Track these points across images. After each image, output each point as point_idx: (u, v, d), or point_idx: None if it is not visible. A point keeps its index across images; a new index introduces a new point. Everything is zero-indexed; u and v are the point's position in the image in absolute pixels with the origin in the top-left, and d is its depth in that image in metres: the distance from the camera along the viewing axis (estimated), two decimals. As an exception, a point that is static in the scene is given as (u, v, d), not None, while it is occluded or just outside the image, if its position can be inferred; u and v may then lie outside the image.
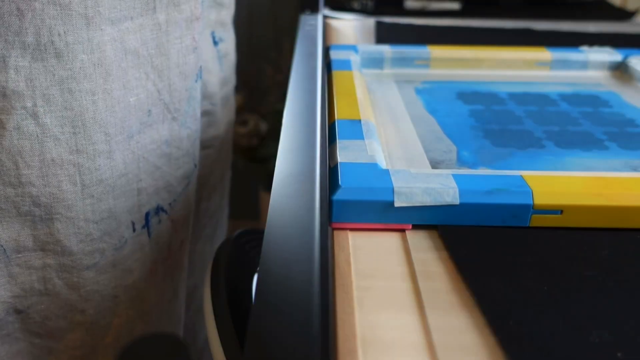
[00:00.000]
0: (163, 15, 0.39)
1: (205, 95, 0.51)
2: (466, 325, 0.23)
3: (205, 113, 0.52)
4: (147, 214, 0.43)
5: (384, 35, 0.63)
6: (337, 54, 0.51)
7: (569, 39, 0.61)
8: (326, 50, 0.53)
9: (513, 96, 0.46)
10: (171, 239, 0.47)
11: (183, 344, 0.55)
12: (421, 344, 0.22)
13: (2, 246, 0.37)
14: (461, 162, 0.35)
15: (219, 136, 0.56)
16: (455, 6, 0.82)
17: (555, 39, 0.62)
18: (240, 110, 1.34)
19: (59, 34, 0.33)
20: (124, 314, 0.44)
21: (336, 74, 0.45)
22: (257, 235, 0.48)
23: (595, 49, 0.54)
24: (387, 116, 0.42)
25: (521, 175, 0.30)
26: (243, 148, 1.32)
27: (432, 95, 0.46)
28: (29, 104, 0.34)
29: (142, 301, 0.45)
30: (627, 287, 0.25)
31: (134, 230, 0.42)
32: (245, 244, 0.47)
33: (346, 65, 0.48)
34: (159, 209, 0.44)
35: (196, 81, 0.45)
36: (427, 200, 0.28)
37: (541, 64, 0.52)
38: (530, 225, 0.29)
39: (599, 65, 0.52)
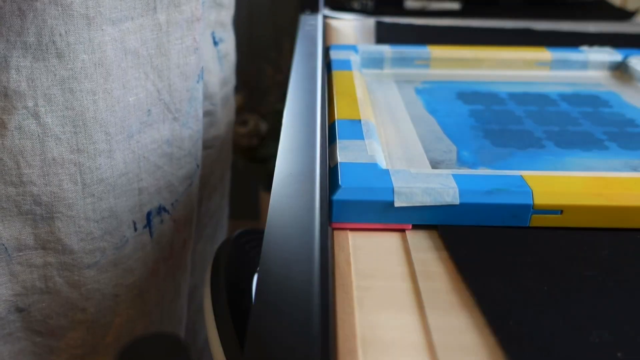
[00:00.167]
0: (164, 15, 0.39)
1: (206, 96, 0.51)
2: (466, 325, 0.23)
3: (206, 113, 0.52)
4: (148, 214, 0.43)
5: (384, 35, 0.64)
6: (337, 54, 0.51)
7: (569, 39, 0.61)
8: (326, 50, 0.53)
9: (513, 96, 0.46)
10: (173, 239, 0.47)
11: (183, 343, 0.55)
12: (421, 344, 0.22)
13: (3, 245, 0.37)
14: (461, 162, 0.35)
15: (220, 136, 0.56)
16: (455, 6, 0.82)
17: (555, 39, 0.62)
18: (240, 110, 1.34)
19: (60, 34, 0.33)
20: (124, 313, 0.44)
21: (336, 74, 0.45)
22: (257, 235, 0.48)
23: (595, 49, 0.54)
24: (387, 116, 0.42)
25: (521, 175, 0.30)
26: (243, 148, 1.32)
27: (432, 95, 0.46)
28: (30, 104, 0.34)
29: (143, 301, 0.45)
30: (627, 287, 0.25)
31: (135, 229, 0.42)
32: (245, 244, 0.47)
33: (346, 65, 0.48)
34: (161, 209, 0.44)
35: (198, 82, 0.45)
36: (427, 200, 0.28)
37: (541, 64, 0.52)
38: (530, 225, 0.29)
39: (599, 65, 0.52)
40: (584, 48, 0.54)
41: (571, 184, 0.29)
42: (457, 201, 0.28)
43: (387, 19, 0.71)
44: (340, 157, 0.31)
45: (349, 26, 0.70)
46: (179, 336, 0.52)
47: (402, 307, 0.24)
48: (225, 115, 0.57)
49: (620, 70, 0.52)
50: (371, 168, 0.30)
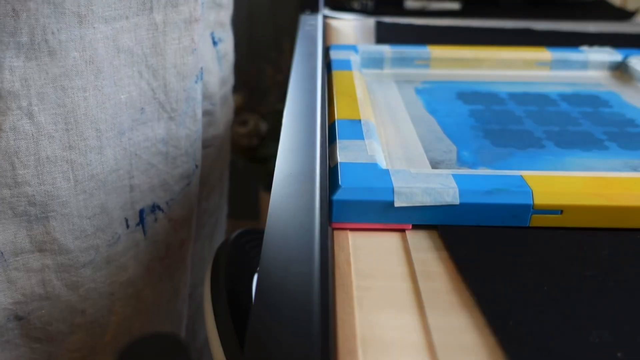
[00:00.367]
0: (160, 15, 0.40)
1: (206, 96, 0.51)
2: (466, 325, 0.23)
3: (205, 113, 0.52)
4: (141, 211, 0.43)
5: (384, 35, 0.63)
6: (337, 54, 0.51)
7: (569, 39, 0.61)
8: (326, 50, 0.53)
9: (513, 96, 0.46)
10: (170, 238, 0.47)
11: (183, 343, 0.55)
12: (421, 344, 0.22)
13: None
14: (461, 162, 0.35)
15: (219, 135, 0.56)
16: (455, 6, 0.82)
17: (555, 39, 0.62)
18: (240, 110, 1.34)
19: (52, 32, 0.34)
20: (121, 312, 0.44)
21: (336, 74, 0.45)
22: (257, 235, 0.48)
23: (595, 49, 0.54)
24: (387, 116, 0.42)
25: (521, 175, 0.30)
26: (243, 148, 1.32)
27: (432, 95, 0.46)
28: (24, 104, 0.34)
29: (138, 299, 0.45)
30: (627, 287, 0.25)
31: (127, 226, 0.42)
32: (245, 244, 0.47)
33: (346, 65, 0.48)
34: (154, 207, 0.44)
35: (196, 82, 0.45)
36: (427, 200, 0.28)
37: (541, 64, 0.52)
38: (530, 225, 0.29)
39: (599, 65, 0.52)
40: (584, 48, 0.54)
41: (571, 184, 0.29)
42: (457, 201, 0.28)
43: (387, 19, 0.71)
44: (340, 157, 0.31)
45: (349, 26, 0.70)
46: (178, 336, 0.52)
47: (402, 307, 0.24)
48: (224, 114, 0.57)
49: (620, 70, 0.52)
50: (371, 168, 0.30)
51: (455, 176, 0.30)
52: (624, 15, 0.78)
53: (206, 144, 0.54)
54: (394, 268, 0.27)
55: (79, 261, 0.40)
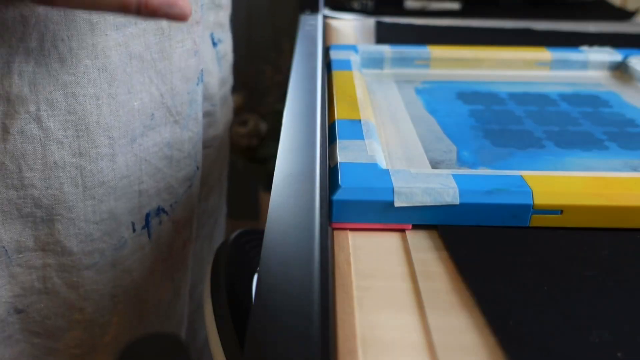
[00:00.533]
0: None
1: (206, 97, 0.52)
2: (466, 325, 0.23)
3: (205, 114, 0.52)
4: (147, 215, 0.43)
5: (384, 35, 0.64)
6: (337, 54, 0.51)
7: (569, 39, 0.61)
8: (326, 50, 0.53)
9: (513, 96, 0.46)
10: (172, 240, 0.47)
11: (183, 344, 0.55)
12: (421, 344, 0.22)
13: (3, 247, 0.37)
14: (461, 162, 0.35)
15: (219, 136, 0.56)
16: (455, 6, 0.82)
17: (555, 39, 0.62)
18: (240, 110, 1.34)
19: (63, 39, 0.34)
20: (122, 313, 0.44)
21: (336, 74, 0.45)
22: (257, 235, 0.48)
23: (595, 49, 0.54)
24: (387, 116, 0.42)
25: (521, 175, 0.30)
26: (243, 148, 1.32)
27: (432, 95, 0.46)
28: (32, 109, 0.34)
29: (140, 301, 0.45)
30: (627, 287, 0.25)
31: (134, 230, 0.42)
32: (245, 244, 0.47)
33: (346, 65, 0.48)
34: (159, 210, 0.44)
35: (197, 84, 0.45)
36: (427, 200, 0.28)
37: (541, 64, 0.52)
38: (530, 225, 0.29)
39: (599, 65, 0.52)
40: (584, 48, 0.54)
41: (571, 184, 0.29)
42: (457, 201, 0.28)
43: (387, 19, 0.71)
44: (340, 157, 0.31)
45: (349, 26, 0.70)
46: (178, 336, 0.52)
47: (402, 307, 0.24)
48: (224, 115, 0.57)
49: (620, 70, 0.52)
50: (371, 168, 0.30)
51: (455, 176, 0.30)
52: (624, 15, 0.78)
53: (206, 145, 0.54)
54: (394, 268, 0.27)
55: (81, 263, 0.40)
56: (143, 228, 0.43)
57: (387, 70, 0.52)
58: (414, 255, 0.27)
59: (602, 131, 0.40)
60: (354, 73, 0.46)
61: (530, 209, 0.28)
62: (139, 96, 0.39)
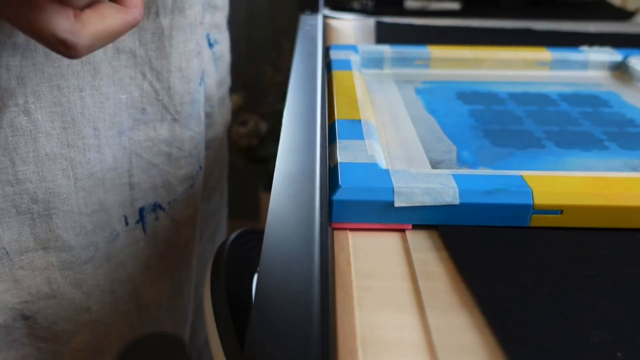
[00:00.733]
0: (167, 20, 0.40)
1: (205, 98, 0.52)
2: (466, 325, 0.23)
3: (205, 115, 0.52)
4: (141, 209, 0.44)
5: (384, 35, 0.63)
6: (337, 54, 0.51)
7: (569, 39, 0.61)
8: (326, 50, 0.53)
9: (513, 96, 0.46)
10: (171, 238, 0.47)
11: (183, 344, 0.55)
12: (421, 344, 0.22)
13: (4, 248, 0.37)
14: (461, 162, 0.35)
15: (217, 137, 0.57)
16: (455, 6, 0.82)
17: (555, 39, 0.62)
18: (240, 110, 1.34)
19: None
20: (123, 309, 0.44)
21: (336, 74, 0.45)
22: (257, 235, 0.48)
23: (595, 49, 0.54)
24: (387, 116, 0.42)
25: (521, 175, 0.30)
26: (243, 148, 1.32)
27: (432, 95, 0.46)
28: (20, 101, 0.35)
29: (138, 296, 0.46)
30: (627, 287, 0.25)
31: (126, 224, 0.43)
32: (245, 244, 0.47)
33: (346, 65, 0.48)
34: (156, 206, 0.45)
35: (200, 84, 0.45)
36: (427, 200, 0.28)
37: (541, 64, 0.52)
38: (530, 225, 0.29)
39: (599, 65, 0.52)
40: (584, 48, 0.54)
41: (571, 184, 0.29)
42: (457, 201, 0.28)
43: (387, 19, 0.71)
44: (340, 157, 0.31)
45: (349, 26, 0.70)
46: (178, 336, 0.52)
47: (402, 307, 0.24)
48: (222, 116, 0.58)
49: (620, 70, 0.52)
50: (371, 168, 0.30)
51: (455, 176, 0.30)
52: (624, 15, 0.78)
53: (205, 146, 0.54)
54: (394, 268, 0.27)
55: (80, 258, 0.40)
56: (137, 222, 0.44)
57: (387, 70, 0.52)
58: (414, 255, 0.27)
59: (602, 131, 0.40)
60: (354, 73, 0.46)
61: (530, 209, 0.28)
62: (127, 90, 0.40)
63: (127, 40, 0.38)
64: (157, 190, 0.45)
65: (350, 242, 0.28)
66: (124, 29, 0.30)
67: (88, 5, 0.28)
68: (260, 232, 0.48)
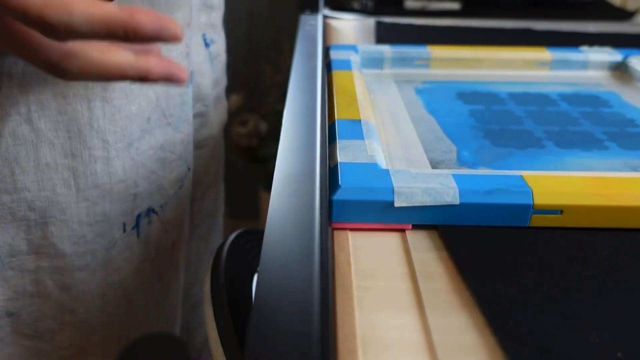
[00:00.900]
0: None
1: (199, 97, 0.52)
2: (466, 325, 0.23)
3: (199, 114, 0.53)
4: (138, 216, 0.44)
5: (384, 35, 0.63)
6: (337, 54, 0.51)
7: (569, 39, 0.61)
8: (326, 50, 0.53)
9: (513, 96, 0.46)
10: (160, 240, 0.47)
11: (183, 343, 0.55)
12: (421, 344, 0.22)
13: None
14: (461, 162, 0.35)
15: (213, 136, 0.57)
16: (455, 6, 0.82)
17: (555, 39, 0.62)
18: (240, 110, 1.34)
19: None
20: (112, 312, 0.44)
21: (336, 74, 0.45)
22: (257, 235, 0.48)
23: (595, 49, 0.54)
24: (387, 116, 0.42)
25: (521, 175, 0.30)
26: (243, 148, 1.32)
27: (432, 95, 0.46)
28: (23, 109, 0.34)
29: (129, 299, 0.46)
30: (627, 287, 0.25)
31: (124, 230, 0.43)
32: (245, 244, 0.47)
33: (346, 65, 0.48)
34: (150, 211, 0.45)
35: (188, 86, 0.45)
36: (427, 200, 0.28)
37: (541, 64, 0.52)
38: (530, 225, 0.29)
39: (599, 65, 0.52)
40: (584, 48, 0.54)
41: (571, 184, 0.29)
42: (457, 201, 0.28)
43: (387, 19, 0.71)
44: (340, 157, 0.31)
45: (349, 26, 0.70)
46: (179, 336, 0.52)
47: (402, 307, 0.24)
48: (218, 115, 0.58)
49: (620, 70, 0.52)
50: (371, 168, 0.30)
51: (455, 176, 0.30)
52: (624, 15, 0.78)
53: (200, 145, 0.54)
54: (394, 268, 0.27)
55: (74, 265, 0.40)
56: (133, 228, 0.44)
57: (387, 70, 0.52)
58: (414, 255, 0.27)
59: (602, 131, 0.40)
60: (354, 73, 0.46)
61: (530, 209, 0.28)
62: (136, 100, 0.40)
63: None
64: (153, 195, 0.44)
65: (350, 242, 0.28)
66: (117, 73, 0.29)
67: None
68: (260, 232, 0.48)
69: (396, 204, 0.28)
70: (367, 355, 0.21)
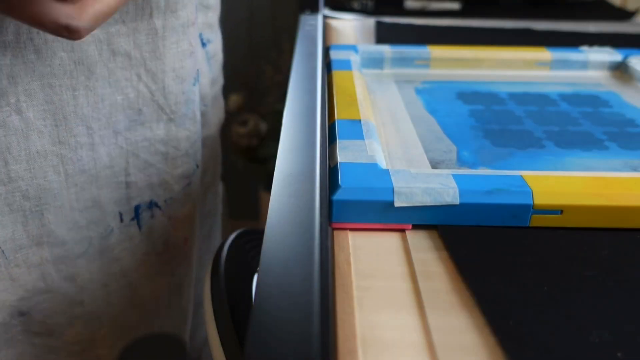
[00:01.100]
0: (160, 21, 0.41)
1: (199, 97, 0.52)
2: (466, 325, 0.23)
3: (199, 114, 0.53)
4: (136, 207, 0.44)
5: (384, 35, 0.63)
6: (337, 54, 0.51)
7: (569, 39, 0.61)
8: (326, 50, 0.53)
9: (513, 96, 0.46)
10: (168, 235, 0.48)
11: (183, 343, 0.55)
12: (421, 344, 0.22)
13: (0, 248, 0.37)
14: (461, 162, 0.35)
15: (211, 135, 0.57)
16: (455, 6, 0.82)
17: (555, 39, 0.62)
18: (240, 110, 1.34)
19: (38, 32, 0.34)
20: (116, 303, 0.45)
21: (336, 74, 0.45)
22: (257, 235, 0.48)
23: (595, 49, 0.54)
24: (387, 116, 0.42)
25: (521, 175, 0.30)
26: (243, 148, 1.32)
27: (432, 95, 0.46)
28: (12, 100, 0.35)
29: (133, 291, 0.46)
30: (627, 287, 0.25)
31: (121, 220, 0.44)
32: (245, 244, 0.47)
33: (346, 65, 0.48)
34: (151, 204, 0.45)
35: (194, 84, 0.46)
36: (427, 200, 0.28)
37: (541, 64, 0.52)
38: (530, 225, 0.29)
39: (599, 65, 0.52)
40: (584, 48, 0.54)
41: (571, 184, 0.29)
42: (457, 201, 0.28)
43: (387, 19, 0.71)
44: (340, 157, 0.31)
45: (349, 26, 0.70)
46: (179, 336, 0.52)
47: (402, 307, 0.24)
48: (215, 114, 0.58)
49: (620, 70, 0.52)
50: (371, 168, 0.30)
51: (455, 176, 0.30)
52: (624, 15, 0.78)
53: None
54: (394, 268, 0.27)
55: (74, 252, 0.41)
56: (132, 219, 0.45)
57: (387, 70, 0.52)
58: (414, 255, 0.27)
59: (602, 131, 0.40)
60: (354, 73, 0.46)
61: (530, 209, 0.28)
62: (123, 91, 0.40)
63: (122, 42, 0.39)
64: (154, 188, 0.45)
65: (350, 242, 0.28)
66: (120, 4, 0.30)
67: None
68: (260, 232, 0.48)
69: (396, 204, 0.28)
70: (367, 355, 0.21)
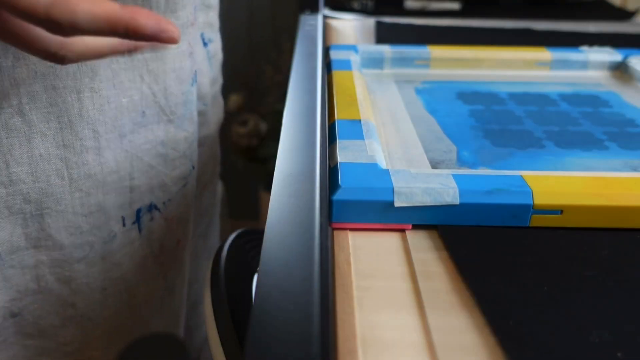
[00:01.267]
0: None
1: (199, 96, 0.52)
2: (466, 325, 0.23)
3: (199, 113, 0.53)
4: (138, 210, 0.44)
5: (384, 35, 0.64)
6: (337, 54, 0.51)
7: (569, 39, 0.61)
8: (326, 50, 0.53)
9: (513, 96, 0.46)
10: (165, 237, 0.48)
11: (182, 344, 0.55)
12: (421, 344, 0.22)
13: None
14: (461, 162, 0.35)
15: (210, 135, 0.57)
16: (455, 6, 0.82)
17: (555, 39, 0.62)
18: (240, 110, 1.34)
19: None
20: (112, 306, 0.45)
21: (336, 74, 0.45)
22: (257, 235, 0.48)
23: (595, 49, 0.54)
24: (387, 116, 0.42)
25: (521, 175, 0.30)
26: (243, 148, 1.32)
27: (432, 95, 0.46)
28: (14, 102, 0.35)
29: (130, 295, 0.46)
30: (627, 287, 0.25)
31: (124, 225, 0.43)
32: (245, 244, 0.47)
33: (346, 65, 0.48)
34: (152, 207, 0.45)
35: (192, 85, 0.46)
36: (427, 200, 0.28)
37: (541, 64, 0.52)
38: (530, 225, 0.29)
39: (599, 65, 0.52)
40: (584, 48, 0.54)
41: (571, 184, 0.29)
42: (457, 201, 0.28)
43: (387, 19, 0.71)
44: (340, 157, 0.31)
45: (349, 26, 0.70)
46: (178, 336, 0.52)
47: (402, 307, 0.24)
48: (215, 114, 0.58)
49: (620, 70, 0.52)
50: (371, 168, 0.30)
51: (455, 176, 0.30)
52: (624, 15, 0.78)
53: (199, 144, 0.54)
54: (394, 268, 0.27)
55: (72, 257, 0.40)
56: (133, 223, 0.44)
57: (387, 70, 0.52)
58: (414, 255, 0.27)
59: (602, 131, 0.40)
60: (354, 73, 0.46)
61: (530, 209, 0.28)
62: (127, 93, 0.40)
63: None
64: (154, 191, 0.45)
65: (350, 242, 0.28)
66: (109, 51, 0.31)
67: None
68: (260, 232, 0.48)
69: (396, 204, 0.28)
70: (367, 355, 0.21)
